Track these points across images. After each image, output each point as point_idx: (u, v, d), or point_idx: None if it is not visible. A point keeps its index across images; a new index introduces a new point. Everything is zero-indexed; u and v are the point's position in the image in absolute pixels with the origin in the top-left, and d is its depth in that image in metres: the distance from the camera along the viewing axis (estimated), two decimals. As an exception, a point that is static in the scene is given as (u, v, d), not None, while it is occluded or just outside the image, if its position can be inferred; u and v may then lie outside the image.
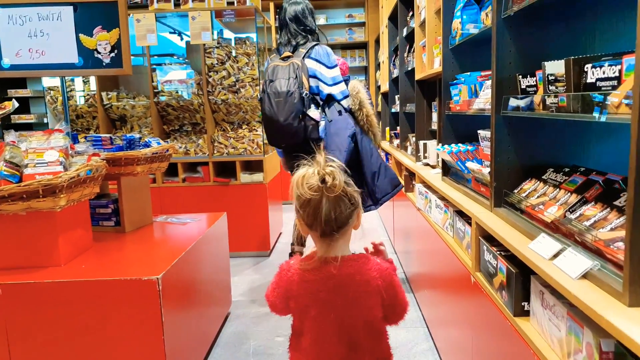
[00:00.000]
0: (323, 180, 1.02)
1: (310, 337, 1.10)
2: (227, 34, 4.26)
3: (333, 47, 6.38)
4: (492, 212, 1.60)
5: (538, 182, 1.45)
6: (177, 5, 3.67)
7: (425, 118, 3.11)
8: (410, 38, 3.68)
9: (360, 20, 6.33)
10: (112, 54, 2.09)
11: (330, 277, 1.07)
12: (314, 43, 2.66)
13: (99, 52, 2.10)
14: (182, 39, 4.31)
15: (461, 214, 1.90)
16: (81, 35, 2.08)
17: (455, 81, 2.21)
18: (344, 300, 1.07)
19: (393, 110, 4.46)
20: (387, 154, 4.55)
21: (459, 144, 2.17)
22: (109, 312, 1.64)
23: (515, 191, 1.52)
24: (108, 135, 2.34)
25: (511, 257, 1.29)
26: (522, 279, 1.21)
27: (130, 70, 2.13)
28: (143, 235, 2.31)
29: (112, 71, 2.12)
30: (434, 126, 2.95)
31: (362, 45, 6.35)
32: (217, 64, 3.72)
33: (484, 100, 1.74)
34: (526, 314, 1.21)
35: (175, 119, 3.96)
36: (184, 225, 2.47)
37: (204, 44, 3.67)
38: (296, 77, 2.45)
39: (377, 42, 6.16)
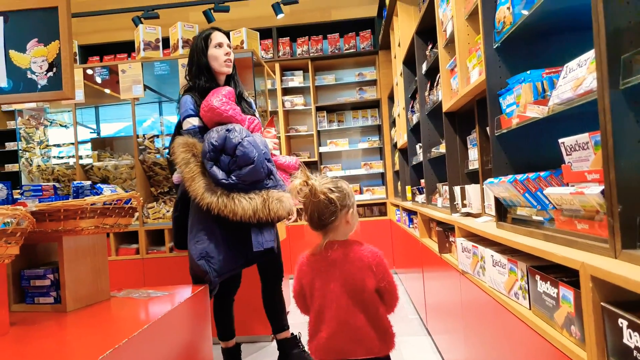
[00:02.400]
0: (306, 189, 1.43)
1: (317, 304, 1.45)
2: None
3: (343, 107, 5.98)
4: (618, 259, 0.94)
5: None
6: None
7: (459, 158, 2.51)
8: (430, 73, 3.19)
9: (372, 78, 5.98)
10: (50, 73, 1.59)
11: (328, 256, 1.45)
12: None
13: (33, 72, 1.60)
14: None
15: (543, 271, 1.24)
16: (11, 52, 1.60)
17: (506, 88, 1.64)
18: (340, 272, 1.43)
19: (414, 162, 3.89)
20: (409, 214, 3.91)
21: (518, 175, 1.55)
22: None
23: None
24: (52, 184, 1.77)
25: None
26: None
27: (73, 94, 1.61)
28: (90, 315, 1.66)
29: (49, 95, 1.60)
30: (472, 166, 2.34)
31: (374, 104, 5.95)
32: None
33: (570, 87, 1.15)
34: None
35: (164, 179, 3.43)
36: (149, 301, 1.82)
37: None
38: None
39: (390, 98, 5.75)
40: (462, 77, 2.15)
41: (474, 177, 2.43)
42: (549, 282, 1.18)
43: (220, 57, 2.36)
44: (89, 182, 1.76)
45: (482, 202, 2.11)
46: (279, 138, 2.50)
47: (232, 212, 2.09)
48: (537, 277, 1.26)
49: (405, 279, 4.53)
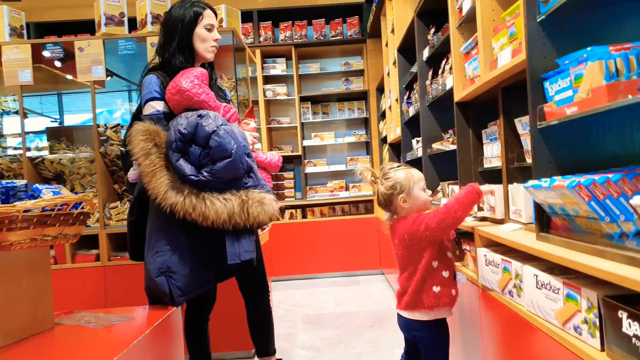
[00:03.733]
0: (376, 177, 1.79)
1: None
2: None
3: (328, 98, 5.63)
4: None
5: None
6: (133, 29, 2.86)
7: (472, 155, 2.19)
8: (433, 60, 2.87)
9: (359, 67, 5.64)
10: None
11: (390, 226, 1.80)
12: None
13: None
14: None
15: (622, 302, 0.92)
16: None
17: (555, 70, 1.32)
18: (393, 235, 1.78)
19: (409, 158, 3.57)
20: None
21: (568, 176, 1.24)
22: None
23: None
24: (-21, 183, 1.37)
25: None
26: None
27: None
28: (22, 354, 1.28)
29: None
30: (488, 163, 2.02)
31: (362, 96, 5.62)
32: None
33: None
34: None
35: (131, 175, 3.02)
36: (105, 330, 1.45)
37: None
38: None
39: (379, 89, 5.43)
40: (484, 61, 1.82)
41: (489, 177, 2.12)
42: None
43: (208, 40, 1.97)
44: (23, 182, 1.37)
45: (507, 207, 1.80)
46: (259, 131, 2.12)
47: (202, 216, 1.72)
48: (623, 314, 0.94)
49: (394, 280, 4.22)
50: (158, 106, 1.86)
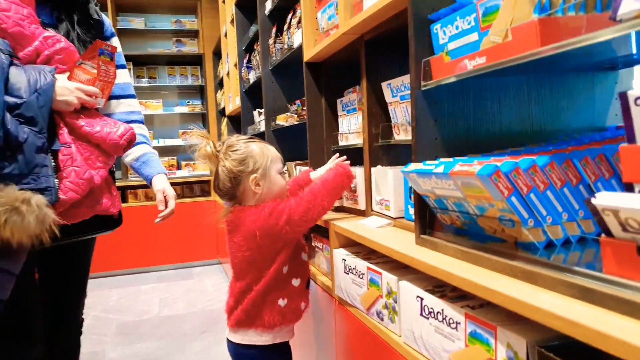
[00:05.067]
0: None
1: None
2: None
3: (156, 60, 4.80)
4: None
5: None
6: None
7: (325, 129, 1.79)
8: (277, 15, 2.38)
9: (192, 27, 4.89)
10: None
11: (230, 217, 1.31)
12: None
13: None
14: None
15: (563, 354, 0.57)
16: None
17: (451, 6, 0.94)
18: (233, 230, 1.30)
19: (251, 133, 3.07)
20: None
21: (463, 158, 0.89)
22: None
23: None
24: None
25: None
26: None
27: None
28: None
29: None
30: (345, 140, 1.64)
31: (196, 60, 4.90)
32: None
33: None
34: None
35: None
36: None
37: None
38: None
39: (216, 54, 4.78)
40: (345, 4, 1.39)
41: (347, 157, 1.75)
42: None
43: None
44: None
45: (369, 196, 1.42)
46: (106, 82, 1.32)
47: None
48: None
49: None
50: None
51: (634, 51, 1.08)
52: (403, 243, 1.05)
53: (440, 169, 0.85)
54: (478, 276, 0.77)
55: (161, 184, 1.50)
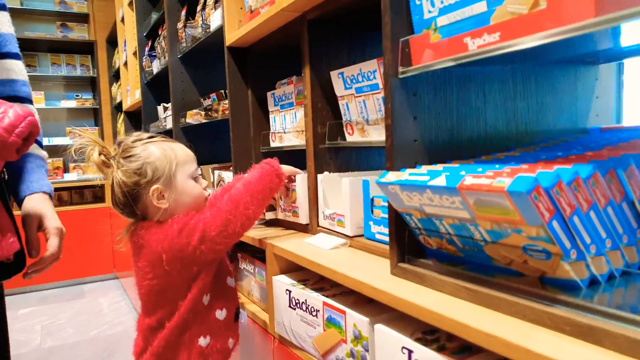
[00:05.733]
0: None
1: None
2: None
3: (36, 46, 4.14)
4: None
5: None
6: None
7: (252, 127, 1.51)
8: (189, -6, 2.05)
9: (81, 11, 4.28)
10: None
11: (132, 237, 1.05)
12: None
13: None
14: None
15: None
16: None
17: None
18: (137, 254, 1.03)
19: (153, 131, 2.68)
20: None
21: (454, 166, 0.69)
22: None
23: None
24: None
25: None
26: None
27: None
28: None
29: None
30: (279, 141, 1.38)
31: (87, 49, 4.29)
32: None
33: None
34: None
35: None
36: None
37: None
38: None
39: (112, 43, 4.23)
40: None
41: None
42: None
43: None
44: None
45: (314, 207, 1.18)
46: None
47: None
48: None
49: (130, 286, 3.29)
50: None
51: (621, 44, 0.97)
52: (373, 272, 0.83)
53: (440, 182, 0.64)
54: (505, 329, 0.56)
55: (38, 209, 0.96)
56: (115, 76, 4.07)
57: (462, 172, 0.65)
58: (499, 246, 0.64)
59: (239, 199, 0.97)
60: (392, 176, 0.73)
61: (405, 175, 0.72)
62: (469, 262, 0.72)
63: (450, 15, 0.71)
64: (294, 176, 1.20)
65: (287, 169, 1.14)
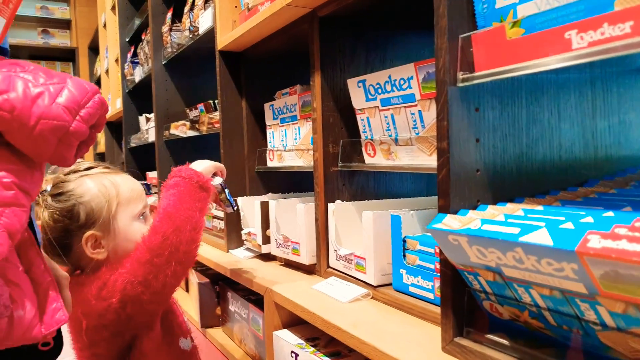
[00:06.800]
0: None
1: None
2: None
3: (18, 53, 3.88)
4: None
5: None
6: None
7: (246, 143, 1.30)
8: (175, -6, 1.85)
9: (63, 17, 4.05)
10: None
11: None
12: None
13: None
14: None
15: None
16: None
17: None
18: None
19: (134, 144, 2.45)
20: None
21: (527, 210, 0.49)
22: None
23: None
24: None
25: None
26: None
27: None
28: None
29: None
30: (279, 160, 1.17)
31: (68, 56, 4.06)
32: None
33: None
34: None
35: None
36: None
37: None
38: None
39: (93, 50, 4.00)
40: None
41: (278, 184, 1.28)
42: None
43: None
44: None
45: (324, 245, 0.96)
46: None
47: None
48: None
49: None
50: None
51: None
52: (416, 346, 0.61)
53: (543, 239, 0.43)
54: None
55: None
56: (97, 84, 3.83)
57: (569, 225, 0.44)
58: (628, 336, 0.43)
59: (162, 224, 0.72)
60: (454, 222, 0.52)
61: (475, 222, 0.51)
62: (562, 346, 0.51)
63: (540, 0, 0.51)
64: (220, 172, 0.91)
65: (205, 168, 0.84)
